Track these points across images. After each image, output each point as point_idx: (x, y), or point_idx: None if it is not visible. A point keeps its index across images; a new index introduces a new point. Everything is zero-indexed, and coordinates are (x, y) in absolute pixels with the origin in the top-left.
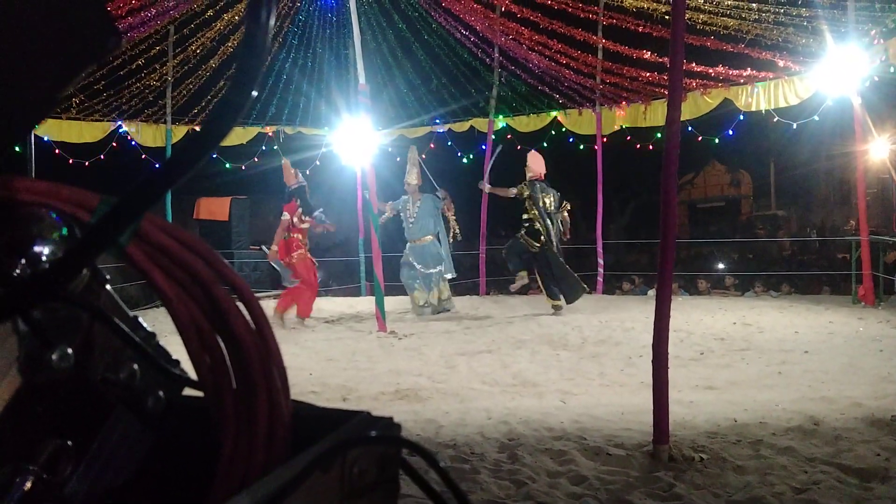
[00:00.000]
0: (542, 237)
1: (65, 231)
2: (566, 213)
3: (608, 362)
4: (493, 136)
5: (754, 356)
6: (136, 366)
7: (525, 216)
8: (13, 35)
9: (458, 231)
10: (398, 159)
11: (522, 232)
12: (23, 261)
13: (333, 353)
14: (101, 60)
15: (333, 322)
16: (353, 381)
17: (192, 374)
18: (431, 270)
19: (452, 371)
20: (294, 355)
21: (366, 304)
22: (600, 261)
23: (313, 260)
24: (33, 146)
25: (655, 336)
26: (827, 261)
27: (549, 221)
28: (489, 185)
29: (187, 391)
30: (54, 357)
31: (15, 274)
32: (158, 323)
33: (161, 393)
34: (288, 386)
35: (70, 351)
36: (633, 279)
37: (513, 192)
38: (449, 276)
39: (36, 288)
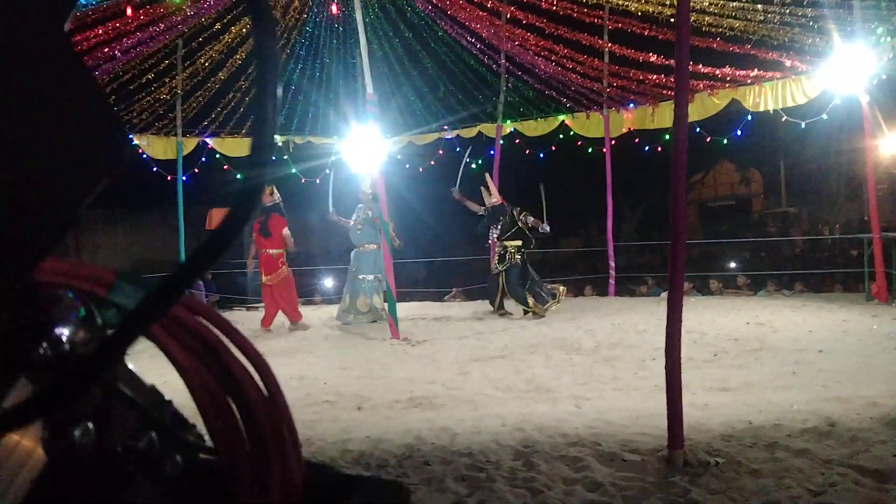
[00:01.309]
0: (501, 260)
1: (83, 311)
2: (530, 219)
3: (621, 366)
4: (502, 141)
5: (768, 356)
6: (154, 433)
7: (499, 241)
8: (22, 160)
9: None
10: (407, 166)
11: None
12: (45, 344)
13: (347, 362)
14: (116, 175)
15: (345, 329)
16: (367, 389)
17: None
18: (367, 277)
19: (466, 377)
20: (309, 364)
21: None
22: (611, 263)
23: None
24: None
25: (668, 341)
26: (840, 258)
27: (504, 243)
28: (459, 194)
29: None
30: (76, 433)
31: (38, 358)
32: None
33: (178, 458)
34: (300, 449)
35: (91, 426)
36: (646, 281)
37: (482, 210)
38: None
39: (75, 381)
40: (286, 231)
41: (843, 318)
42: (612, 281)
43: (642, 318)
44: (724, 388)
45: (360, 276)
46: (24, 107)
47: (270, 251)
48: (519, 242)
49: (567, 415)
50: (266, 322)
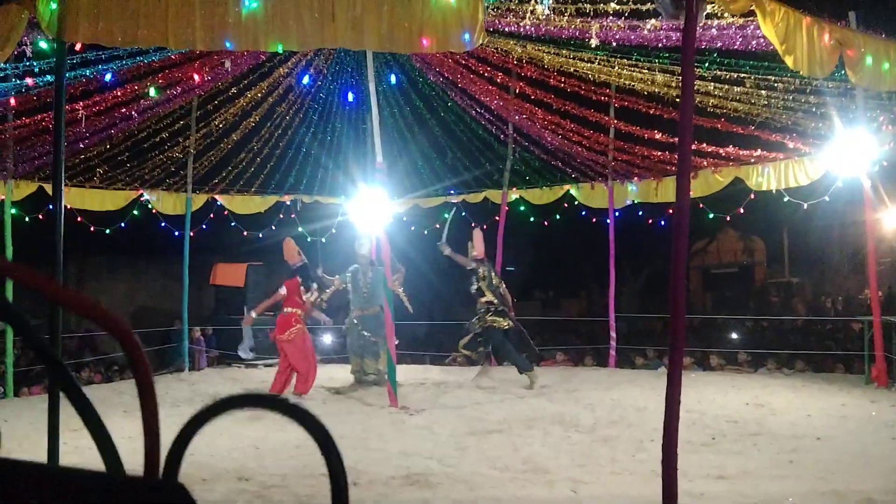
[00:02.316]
0: (505, 315)
1: None
2: (502, 286)
3: (620, 446)
4: (507, 208)
5: (766, 442)
6: None
7: (483, 298)
8: None
9: (408, 304)
10: (412, 228)
11: (489, 315)
12: None
13: (344, 430)
14: None
15: (344, 393)
16: (363, 462)
17: None
18: (378, 339)
19: (463, 454)
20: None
21: None
22: (612, 334)
23: (309, 337)
24: (63, 217)
25: (665, 434)
26: (842, 332)
27: (499, 298)
28: (449, 249)
29: None
30: None
31: None
32: (171, 390)
33: None
34: None
35: None
36: (646, 353)
37: (472, 264)
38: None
39: None
40: (282, 290)
41: (842, 403)
42: (612, 352)
43: (642, 393)
44: (721, 475)
45: (374, 338)
46: None
47: (285, 310)
48: (498, 301)
49: (563, 500)
50: (274, 386)
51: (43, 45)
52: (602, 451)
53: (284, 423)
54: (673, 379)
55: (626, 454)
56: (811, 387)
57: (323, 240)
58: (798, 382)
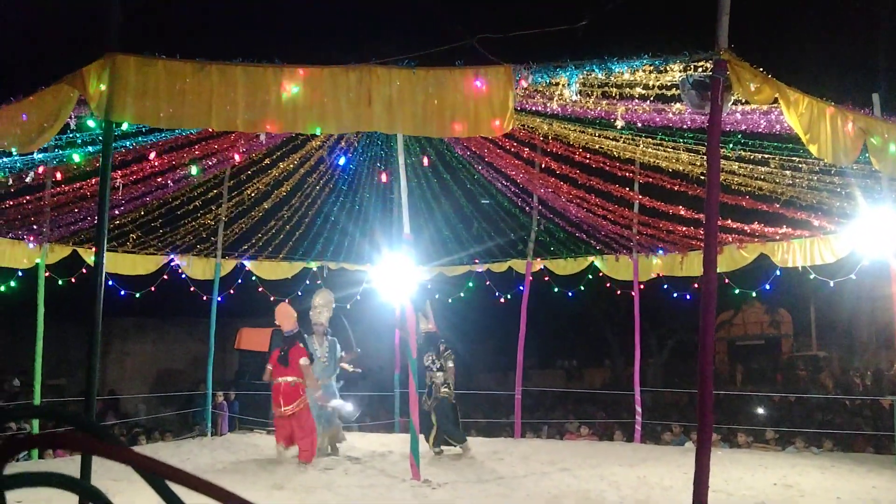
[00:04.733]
0: (429, 394)
1: None
2: (450, 364)
3: None
4: (531, 278)
5: None
6: None
7: (433, 374)
8: None
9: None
10: (437, 296)
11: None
12: None
13: None
14: None
15: (366, 463)
16: None
17: None
18: (329, 409)
19: None
20: None
21: (398, 442)
22: (638, 409)
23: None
24: (102, 287)
25: None
26: (870, 409)
27: (431, 377)
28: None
29: None
30: None
31: None
32: (193, 456)
33: None
34: None
35: None
36: (672, 428)
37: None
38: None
39: None
40: (303, 361)
41: (873, 485)
42: (638, 427)
43: (668, 471)
44: None
45: (328, 407)
46: None
47: (289, 379)
48: (443, 375)
49: None
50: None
51: (91, 123)
52: None
53: (306, 495)
54: (701, 468)
55: None
56: (840, 467)
57: (347, 306)
58: (826, 462)
